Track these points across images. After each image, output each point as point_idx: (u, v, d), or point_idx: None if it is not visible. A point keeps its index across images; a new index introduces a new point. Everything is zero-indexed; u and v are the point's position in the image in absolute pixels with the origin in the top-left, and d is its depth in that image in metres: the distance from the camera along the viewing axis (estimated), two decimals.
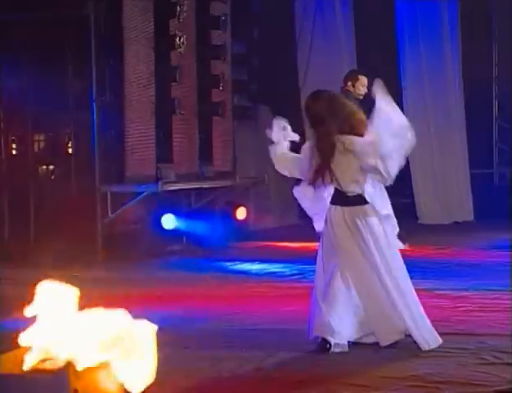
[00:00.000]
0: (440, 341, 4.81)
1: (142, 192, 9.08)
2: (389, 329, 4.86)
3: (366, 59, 11.48)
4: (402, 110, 12.50)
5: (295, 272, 8.01)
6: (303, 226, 12.13)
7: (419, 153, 12.27)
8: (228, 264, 8.74)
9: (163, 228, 9.49)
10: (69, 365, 3.02)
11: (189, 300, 6.70)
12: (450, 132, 12.40)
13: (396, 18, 12.12)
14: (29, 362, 3.17)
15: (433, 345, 4.75)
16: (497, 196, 12.43)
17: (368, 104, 7.06)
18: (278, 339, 5.27)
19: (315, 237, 9.03)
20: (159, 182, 9.00)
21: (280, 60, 11.62)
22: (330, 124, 4.76)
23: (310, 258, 8.66)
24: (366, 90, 6.95)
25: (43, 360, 3.16)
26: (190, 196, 10.41)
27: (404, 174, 12.65)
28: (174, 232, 9.71)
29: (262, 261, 8.69)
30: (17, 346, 3.42)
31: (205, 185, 10.21)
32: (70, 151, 9.67)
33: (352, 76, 6.97)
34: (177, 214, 9.74)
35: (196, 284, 7.54)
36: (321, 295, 4.92)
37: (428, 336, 4.79)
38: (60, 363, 3.07)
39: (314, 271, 7.50)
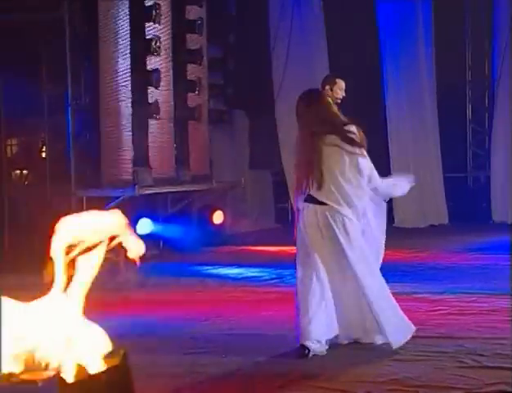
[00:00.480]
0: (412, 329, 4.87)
1: (119, 197, 9.01)
2: (364, 328, 4.89)
3: (339, 61, 11.51)
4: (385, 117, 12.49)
5: (273, 276, 8.01)
6: (280, 230, 12.25)
7: (394, 157, 12.37)
8: (205, 268, 8.72)
9: (139, 233, 9.42)
10: (57, 375, 2.90)
11: (166, 304, 6.67)
12: (424, 136, 12.48)
13: (376, 21, 12.18)
14: (10, 370, 3.06)
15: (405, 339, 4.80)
16: (471, 200, 12.55)
17: (345, 108, 7.12)
18: (256, 343, 5.26)
19: (292, 241, 9.05)
20: (136, 187, 8.95)
21: (256, 65, 11.63)
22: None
23: (287, 262, 8.70)
24: (344, 94, 6.95)
25: (26, 369, 3.03)
26: (166, 200, 10.38)
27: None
28: (151, 237, 9.65)
29: (239, 265, 8.69)
30: None
31: (182, 189, 10.18)
32: (44, 155, 9.58)
33: (329, 80, 6.95)
34: (153, 218, 9.69)
35: (173, 289, 7.50)
36: (300, 298, 4.94)
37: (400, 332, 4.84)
38: (45, 373, 2.96)
39: (292, 275, 7.58)
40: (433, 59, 12.28)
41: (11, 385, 2.96)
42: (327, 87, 6.91)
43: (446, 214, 12.52)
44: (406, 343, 4.98)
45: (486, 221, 11.85)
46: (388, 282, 6.49)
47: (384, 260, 8.89)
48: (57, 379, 2.90)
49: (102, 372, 3.00)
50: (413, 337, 5.17)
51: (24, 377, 2.98)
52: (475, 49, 12.90)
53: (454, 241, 10.20)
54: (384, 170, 12.83)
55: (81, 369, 2.97)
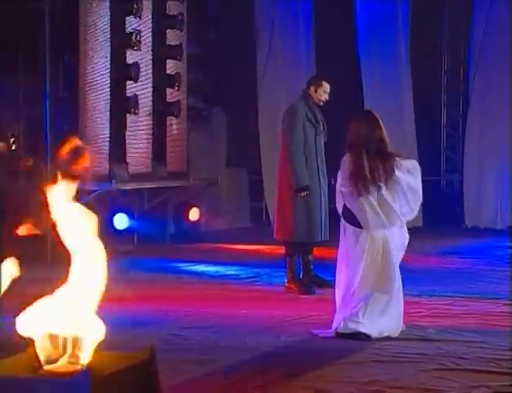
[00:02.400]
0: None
1: (95, 191, 8.93)
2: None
3: (325, 60, 11.54)
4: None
5: (250, 275, 8.00)
6: (255, 228, 12.25)
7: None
8: (181, 265, 8.68)
9: (115, 228, 9.37)
10: (89, 368, 2.84)
11: (142, 301, 6.61)
12: (400, 138, 12.53)
13: (355, 21, 12.22)
14: (39, 362, 2.96)
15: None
16: (445, 203, 12.64)
17: (326, 110, 7.15)
18: (237, 341, 5.25)
19: (267, 240, 9.04)
20: (113, 181, 8.88)
21: (236, 62, 11.60)
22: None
23: (263, 261, 8.74)
24: (327, 97, 6.97)
25: (54, 359, 2.95)
26: (142, 196, 10.31)
27: None
28: (126, 232, 9.59)
29: (215, 263, 8.66)
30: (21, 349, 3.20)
31: (158, 185, 10.13)
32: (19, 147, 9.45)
33: (315, 81, 6.99)
34: (129, 213, 9.63)
35: (149, 285, 7.45)
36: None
37: None
38: (76, 364, 2.90)
39: (269, 274, 7.61)
40: (408, 63, 12.33)
41: (42, 377, 2.92)
42: (312, 87, 6.94)
43: (420, 216, 12.58)
44: (387, 344, 5.02)
45: (459, 225, 11.96)
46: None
47: None
48: (89, 372, 2.85)
49: (133, 367, 2.99)
50: (393, 339, 5.21)
51: (55, 369, 2.94)
52: (451, 54, 13.02)
53: (428, 244, 10.26)
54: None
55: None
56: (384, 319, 5.19)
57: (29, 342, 3.08)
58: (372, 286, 5.20)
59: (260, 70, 12.04)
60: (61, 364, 2.94)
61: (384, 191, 5.20)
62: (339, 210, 5.48)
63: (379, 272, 5.21)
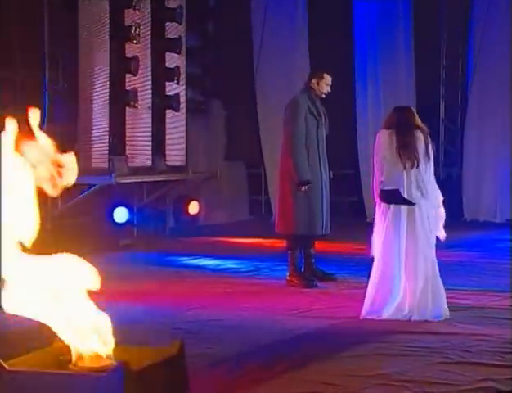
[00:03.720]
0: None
1: (95, 184, 8.92)
2: None
3: (320, 55, 11.52)
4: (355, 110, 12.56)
5: (250, 268, 7.99)
6: (254, 221, 12.24)
7: (366, 152, 12.42)
8: (181, 258, 8.66)
9: (114, 222, 9.35)
10: (123, 363, 2.81)
11: (143, 295, 6.60)
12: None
13: (353, 17, 12.20)
14: (69, 357, 2.93)
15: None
16: (444, 196, 12.60)
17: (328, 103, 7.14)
18: (240, 335, 5.25)
19: (266, 233, 9.02)
20: (113, 175, 8.86)
21: (235, 56, 11.57)
22: None
23: (263, 254, 8.73)
24: (329, 89, 6.96)
25: (81, 356, 2.93)
26: (142, 189, 10.29)
27: (353, 174, 12.84)
28: (126, 226, 9.58)
29: (215, 257, 8.65)
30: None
31: (158, 179, 10.10)
32: None
33: (317, 74, 6.99)
34: (128, 207, 9.61)
35: (149, 279, 7.43)
36: None
37: None
38: (106, 360, 2.88)
39: (269, 268, 7.62)
40: (412, 58, 12.31)
41: (76, 373, 2.90)
42: (314, 80, 6.94)
43: None
44: (391, 338, 5.03)
45: (458, 218, 11.96)
46: (363, 276, 6.54)
47: (361, 256, 8.99)
48: (123, 367, 2.83)
49: (164, 361, 2.98)
50: (397, 332, 5.22)
51: (87, 365, 2.92)
52: (450, 48, 13.00)
53: None
54: (354, 167, 12.85)
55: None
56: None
57: (51, 337, 3.06)
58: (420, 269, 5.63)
59: (256, 62, 12.02)
60: (90, 359, 2.93)
61: (421, 165, 5.70)
62: (376, 194, 5.78)
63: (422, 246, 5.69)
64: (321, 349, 4.88)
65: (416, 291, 5.58)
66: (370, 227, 12.29)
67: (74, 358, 2.94)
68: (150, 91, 9.85)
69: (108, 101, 9.19)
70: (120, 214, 9.40)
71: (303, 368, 4.46)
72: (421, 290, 5.58)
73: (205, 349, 4.86)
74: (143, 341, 4.99)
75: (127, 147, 9.57)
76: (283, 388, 4.13)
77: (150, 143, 9.99)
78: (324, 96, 6.96)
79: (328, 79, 6.90)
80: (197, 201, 10.75)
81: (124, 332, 4.69)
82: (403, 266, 5.63)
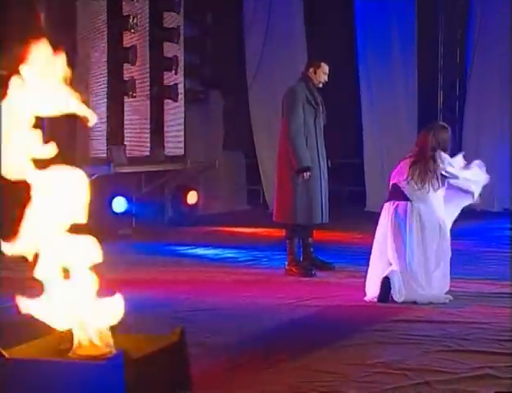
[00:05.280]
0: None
1: (93, 174, 8.90)
2: None
3: (317, 44, 11.50)
4: (359, 99, 12.53)
5: (249, 258, 8.00)
6: (252, 211, 12.25)
7: (369, 143, 12.43)
8: (180, 248, 8.68)
9: (113, 211, 9.35)
10: (123, 350, 2.81)
11: (141, 285, 6.59)
12: (398, 122, 12.53)
13: (354, 9, 12.18)
14: (70, 345, 2.92)
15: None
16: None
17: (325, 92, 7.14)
18: (239, 324, 5.25)
19: (264, 222, 9.02)
20: (112, 165, 8.86)
21: (233, 46, 11.55)
22: None
23: (262, 244, 8.74)
24: (326, 78, 6.96)
25: (80, 345, 2.93)
26: (140, 179, 10.30)
27: (356, 163, 12.80)
28: (124, 216, 9.58)
29: (214, 246, 8.66)
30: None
31: (156, 168, 10.11)
32: None
33: (314, 63, 6.99)
34: (127, 197, 9.61)
35: (148, 268, 7.44)
36: None
37: None
38: (106, 348, 2.87)
39: (268, 257, 7.64)
40: (414, 47, 12.26)
41: (76, 360, 2.90)
42: (311, 69, 6.94)
43: None
44: (390, 326, 5.05)
45: None
46: (363, 266, 6.55)
47: (360, 245, 9.01)
48: (123, 354, 2.83)
49: (165, 348, 2.99)
50: (395, 321, 5.23)
51: (87, 353, 2.93)
52: (448, 36, 12.97)
53: None
54: (357, 157, 12.79)
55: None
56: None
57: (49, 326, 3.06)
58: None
59: (254, 53, 12.01)
60: (90, 347, 2.94)
61: None
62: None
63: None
64: (319, 337, 4.89)
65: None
66: (370, 216, 12.35)
67: (73, 346, 2.95)
68: (149, 81, 9.85)
69: (106, 91, 9.18)
70: (119, 204, 9.40)
71: (302, 357, 4.47)
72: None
73: (204, 338, 4.87)
74: (142, 329, 5.01)
75: (125, 137, 9.57)
76: (282, 377, 4.14)
77: (149, 133, 10.00)
78: (321, 85, 6.96)
79: (325, 67, 6.91)
80: (196, 190, 10.75)
81: (123, 320, 4.70)
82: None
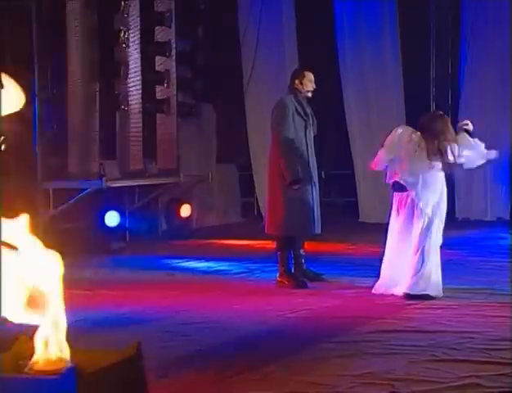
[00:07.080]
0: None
1: (86, 189, 8.94)
2: None
3: (308, 57, 11.55)
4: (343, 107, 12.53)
5: (242, 270, 8.00)
6: (246, 223, 12.26)
7: (359, 153, 12.45)
8: (173, 261, 8.68)
9: (106, 226, 9.37)
10: (75, 365, 2.82)
11: (135, 298, 6.61)
12: (386, 129, 12.53)
13: (336, 15, 12.25)
14: (25, 360, 2.94)
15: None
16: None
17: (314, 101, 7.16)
18: (230, 337, 5.26)
19: (258, 235, 9.03)
20: (103, 179, 8.88)
21: (225, 59, 11.60)
22: None
23: (255, 256, 8.75)
24: (314, 86, 6.98)
25: (39, 360, 2.94)
26: (133, 193, 10.31)
27: (348, 175, 12.81)
28: (117, 230, 9.60)
29: (207, 259, 8.66)
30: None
31: (149, 182, 10.13)
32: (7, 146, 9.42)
33: (298, 74, 7.00)
34: (120, 211, 9.63)
35: (142, 282, 7.44)
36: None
37: None
38: (61, 363, 2.89)
39: (260, 269, 7.66)
40: (399, 54, 12.33)
41: (27, 376, 2.91)
42: (296, 81, 6.95)
43: None
44: (380, 336, 5.06)
45: (451, 217, 11.99)
46: (359, 276, 6.55)
47: (353, 256, 9.02)
48: (75, 369, 2.84)
49: (119, 363, 2.98)
50: (385, 331, 5.25)
51: (41, 368, 2.93)
52: (439, 47, 13.01)
53: None
54: (349, 168, 12.78)
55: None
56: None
57: (15, 340, 3.07)
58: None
59: (247, 66, 12.06)
60: (45, 362, 2.94)
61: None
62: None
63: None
64: (309, 349, 4.90)
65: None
66: (362, 226, 12.34)
67: (31, 361, 2.96)
68: (140, 94, 9.88)
69: (98, 106, 9.22)
70: (112, 218, 9.41)
71: (292, 369, 4.48)
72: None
73: (195, 351, 4.88)
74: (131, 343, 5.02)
75: (118, 151, 9.59)
76: (272, 388, 4.15)
77: (141, 147, 10.02)
78: (310, 94, 6.96)
79: (309, 75, 6.91)
80: (189, 203, 10.77)
81: (112, 335, 4.71)
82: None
